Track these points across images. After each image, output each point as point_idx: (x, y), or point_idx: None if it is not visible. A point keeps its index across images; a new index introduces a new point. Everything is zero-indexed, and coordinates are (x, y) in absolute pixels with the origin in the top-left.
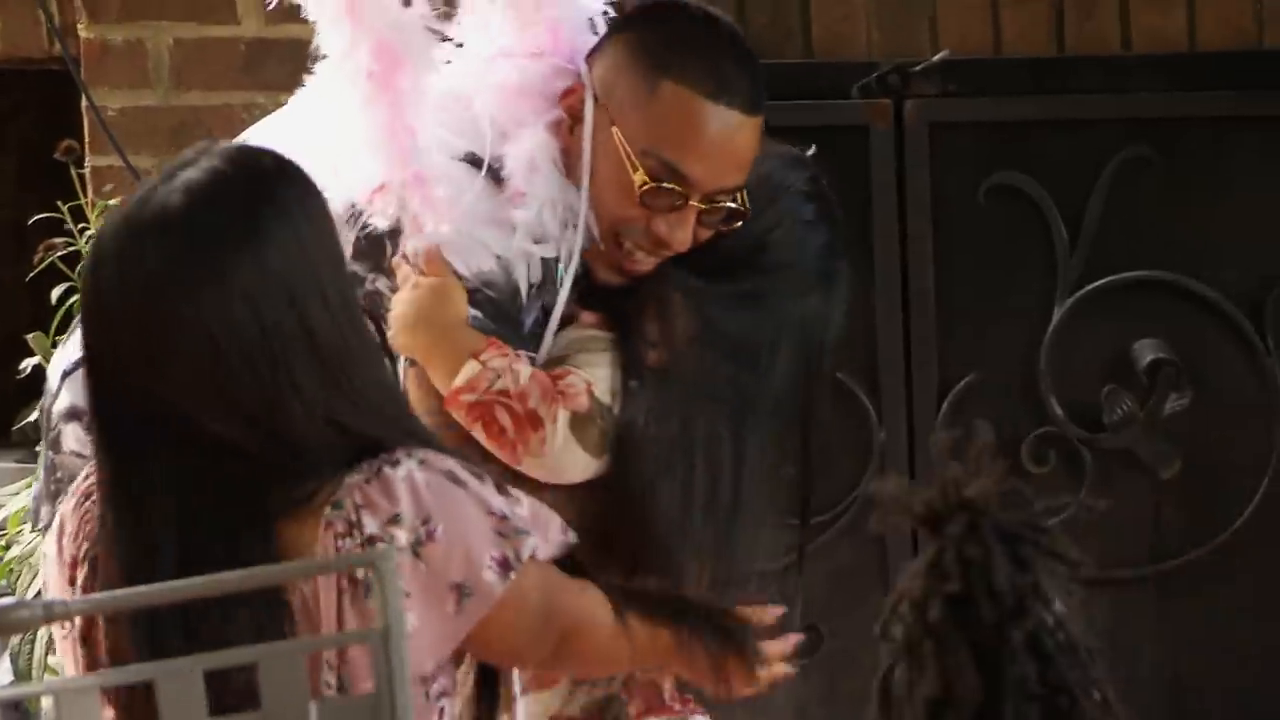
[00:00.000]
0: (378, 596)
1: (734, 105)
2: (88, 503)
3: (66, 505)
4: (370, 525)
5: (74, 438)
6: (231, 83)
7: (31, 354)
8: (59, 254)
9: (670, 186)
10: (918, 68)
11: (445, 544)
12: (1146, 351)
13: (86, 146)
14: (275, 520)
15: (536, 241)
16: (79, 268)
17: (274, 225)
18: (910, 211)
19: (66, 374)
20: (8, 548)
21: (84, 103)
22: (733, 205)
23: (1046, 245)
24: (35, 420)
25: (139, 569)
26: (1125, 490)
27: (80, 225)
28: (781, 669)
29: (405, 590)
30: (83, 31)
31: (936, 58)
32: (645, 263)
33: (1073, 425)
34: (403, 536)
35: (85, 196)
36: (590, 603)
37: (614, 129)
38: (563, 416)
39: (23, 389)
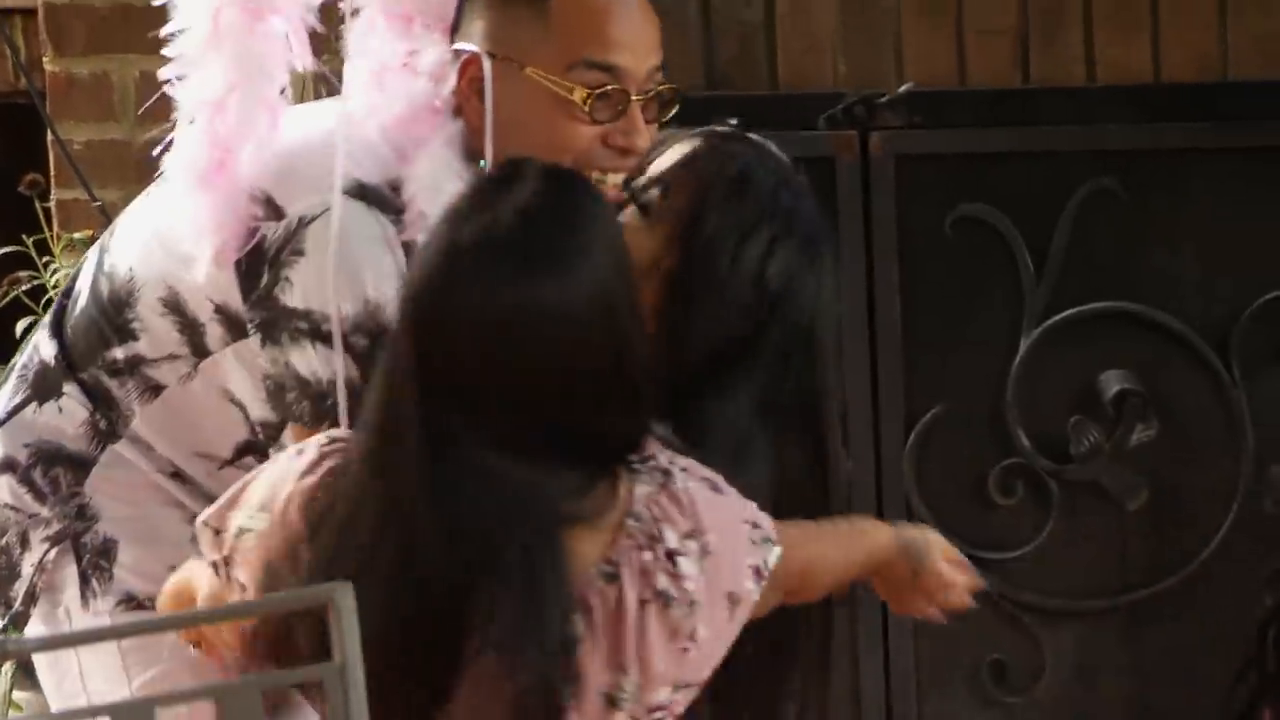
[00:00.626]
0: (335, 633)
1: None
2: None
3: (301, 480)
4: (670, 540)
5: (7, 489)
6: None
7: None
8: (23, 288)
9: (611, 86)
10: (883, 99)
11: (718, 555)
12: (1113, 382)
13: (52, 180)
14: (563, 529)
15: None
16: (406, 278)
17: (595, 243)
18: (876, 243)
19: (0, 423)
20: None
21: (49, 136)
22: (665, 86)
23: (1013, 276)
24: None
25: (410, 565)
26: (1092, 521)
27: (45, 259)
28: (965, 599)
29: (699, 600)
30: (48, 65)
31: (902, 89)
32: (615, 184)
33: (1040, 456)
34: (694, 548)
35: (50, 230)
36: (812, 551)
37: (527, 70)
38: None
39: None
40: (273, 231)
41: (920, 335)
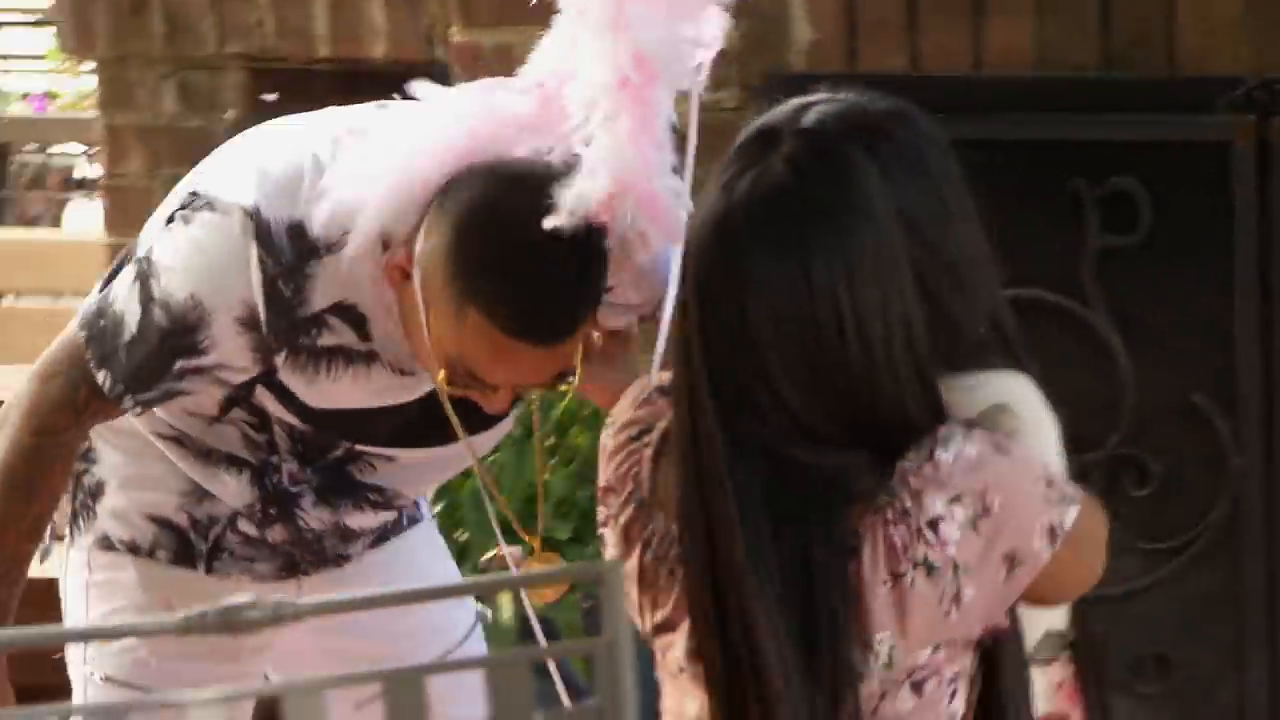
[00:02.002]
0: (606, 609)
1: (540, 343)
2: (634, 443)
3: (606, 434)
4: (931, 508)
5: None
6: None
7: None
8: None
9: (472, 387)
10: None
11: (999, 516)
12: None
13: None
14: (845, 508)
15: None
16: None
17: (877, 185)
18: (1275, 231)
19: None
20: None
21: None
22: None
23: None
24: None
25: (709, 535)
26: None
27: None
28: None
29: (965, 564)
30: (455, 35)
31: None
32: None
33: None
34: (961, 513)
35: None
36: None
37: (429, 319)
38: None
39: None
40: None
41: None
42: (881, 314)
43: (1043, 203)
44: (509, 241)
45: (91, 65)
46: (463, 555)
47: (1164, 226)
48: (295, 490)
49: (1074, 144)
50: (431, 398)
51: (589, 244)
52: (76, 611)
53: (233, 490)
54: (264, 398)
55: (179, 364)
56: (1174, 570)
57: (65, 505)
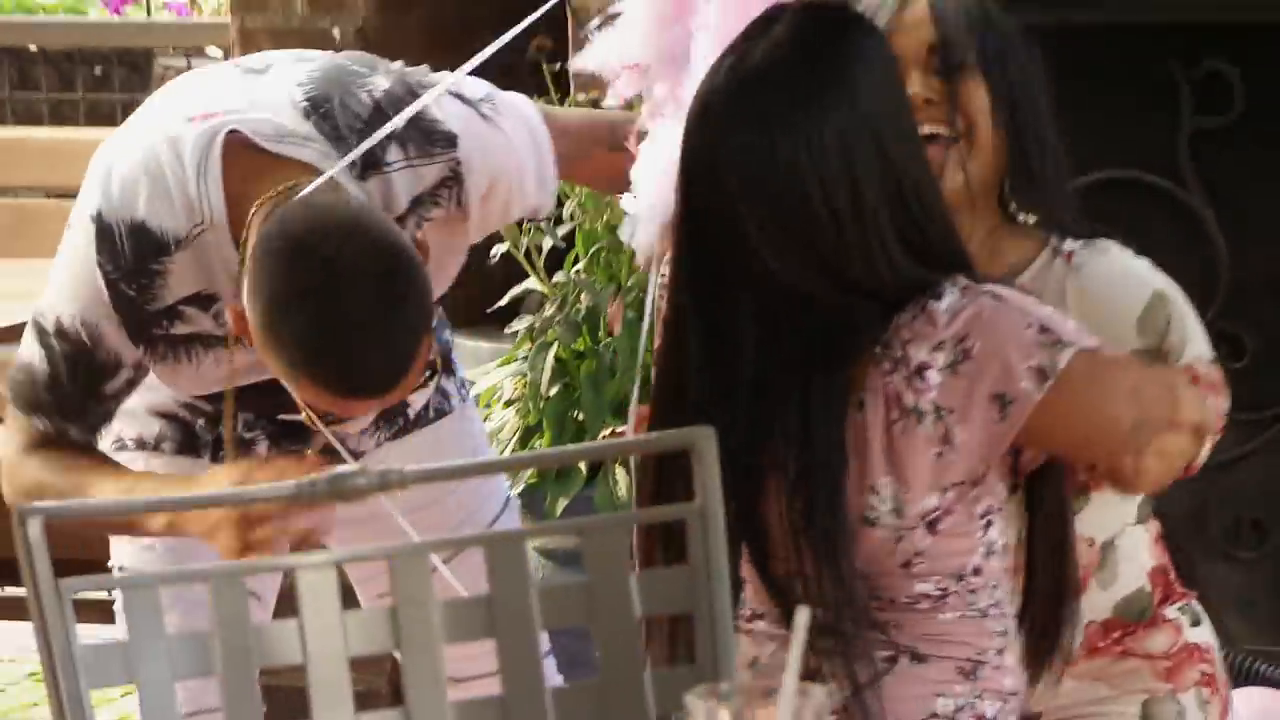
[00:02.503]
0: (697, 476)
1: (372, 396)
2: None
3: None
4: (916, 356)
5: None
6: None
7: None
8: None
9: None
10: None
11: (981, 358)
12: None
13: (570, 49)
14: (847, 363)
15: None
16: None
17: (859, 72)
18: None
19: None
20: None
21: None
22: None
23: None
24: (510, 303)
25: (716, 393)
26: None
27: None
28: None
29: (948, 406)
30: None
31: None
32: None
33: None
34: (942, 358)
35: (558, 94)
36: (1164, 387)
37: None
38: None
39: (497, 273)
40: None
41: None
42: (849, 192)
43: (1138, 85)
44: (316, 314)
45: None
46: (579, 434)
47: (1257, 108)
48: (249, 437)
49: (1168, 26)
50: None
51: (395, 280)
52: None
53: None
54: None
55: (106, 388)
56: (1269, 440)
57: None
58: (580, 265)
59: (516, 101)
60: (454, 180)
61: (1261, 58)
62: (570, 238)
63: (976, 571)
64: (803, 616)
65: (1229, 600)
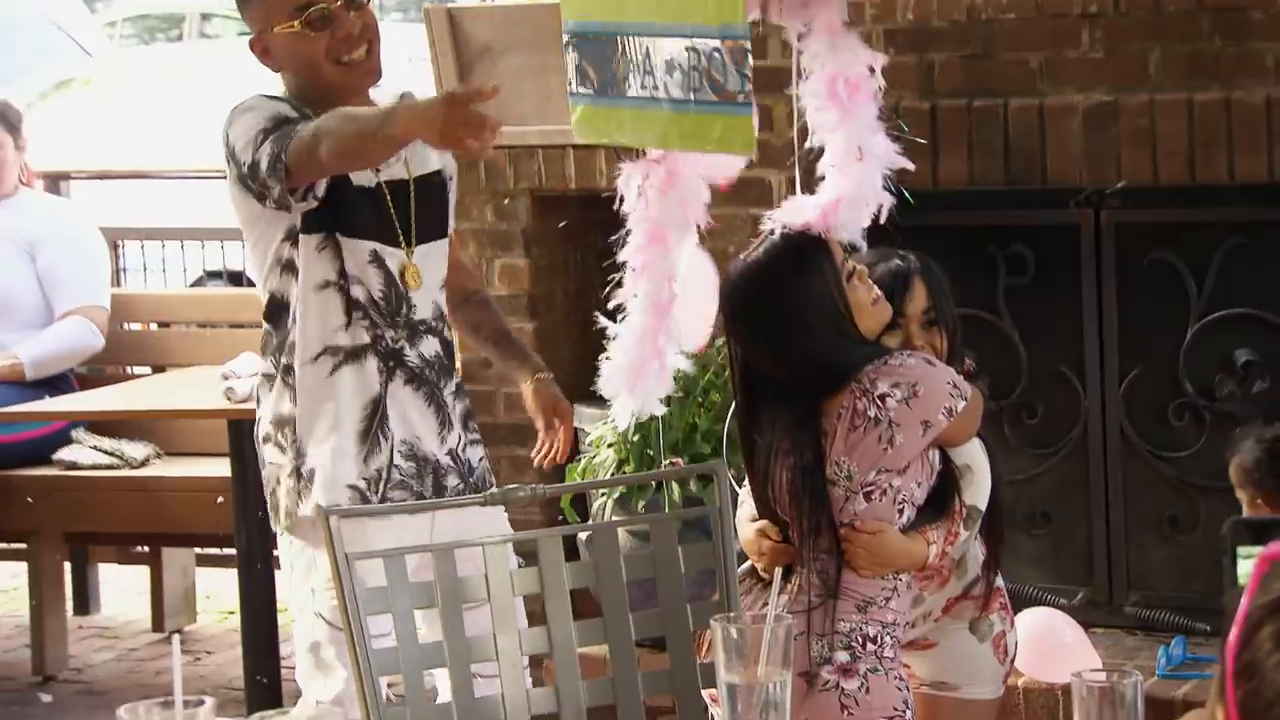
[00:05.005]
0: (716, 489)
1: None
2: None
3: None
4: (880, 387)
5: None
6: None
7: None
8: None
9: (312, 9)
10: None
11: (923, 397)
12: (1242, 355)
13: None
14: (820, 404)
15: None
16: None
17: (816, 262)
18: (1103, 275)
19: None
20: (594, 458)
21: None
22: None
23: None
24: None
25: (758, 416)
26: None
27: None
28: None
29: (896, 421)
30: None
31: None
32: (360, 63)
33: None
34: (898, 393)
35: None
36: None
37: (279, 30)
38: None
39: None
40: None
41: None
42: (801, 339)
43: (973, 258)
44: None
45: None
46: (652, 464)
47: (1042, 273)
48: (396, 345)
49: (992, 226)
50: (387, 193)
51: None
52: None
53: (370, 371)
54: (346, 250)
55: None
56: (1052, 466)
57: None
58: None
59: None
60: None
61: (1048, 242)
62: None
63: None
64: (778, 573)
65: (1030, 560)
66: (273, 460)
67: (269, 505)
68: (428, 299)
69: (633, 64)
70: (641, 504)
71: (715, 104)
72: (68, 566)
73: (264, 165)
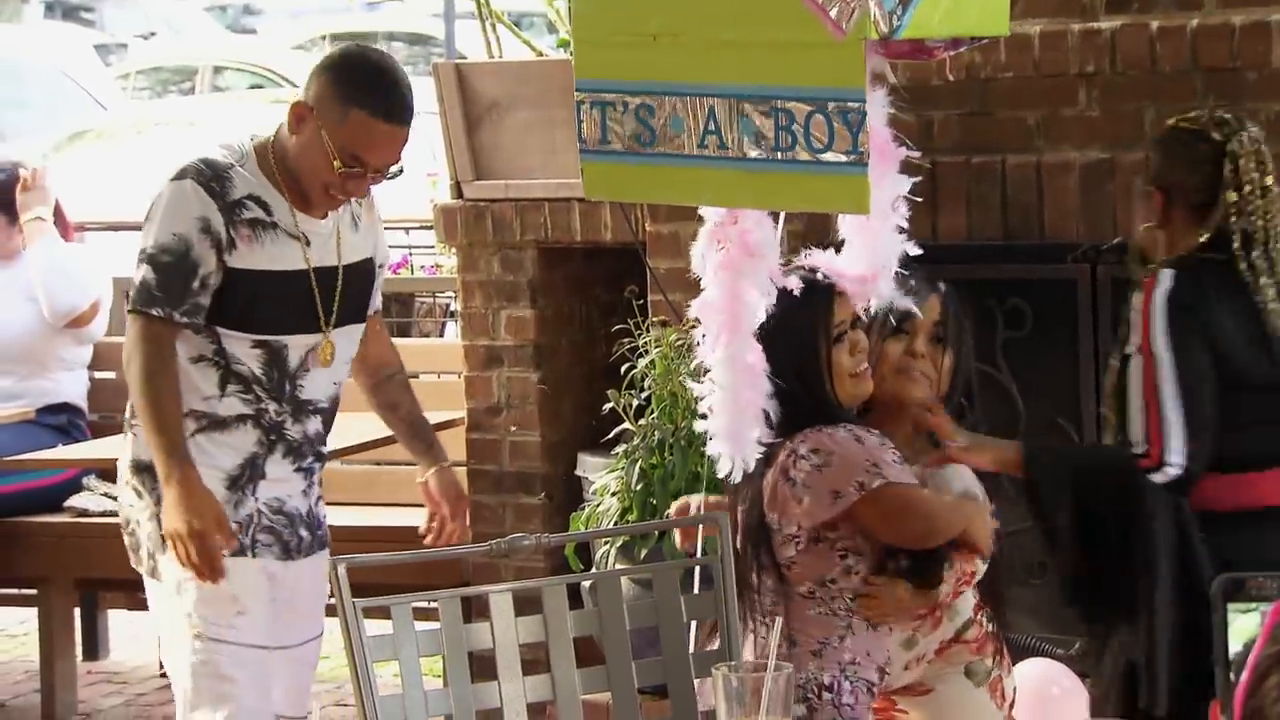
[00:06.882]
0: (720, 540)
1: (397, 123)
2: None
3: None
4: (800, 451)
5: None
6: None
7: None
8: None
9: (356, 169)
10: None
11: (835, 467)
12: None
13: (648, 290)
14: (774, 450)
15: None
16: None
17: (810, 301)
18: (1099, 329)
19: None
20: (598, 506)
21: (647, 268)
22: (393, 170)
23: None
24: (614, 436)
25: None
26: None
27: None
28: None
29: (806, 484)
30: (649, 226)
31: None
32: (341, 201)
33: None
34: (815, 459)
35: (639, 318)
36: (943, 506)
37: (323, 133)
38: None
39: (607, 416)
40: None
41: None
42: (768, 352)
43: (973, 311)
44: (368, 68)
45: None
46: (655, 513)
47: (1039, 327)
48: (279, 419)
49: (990, 280)
50: (314, 280)
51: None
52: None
53: (249, 436)
54: (225, 337)
55: (194, 282)
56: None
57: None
58: (655, 414)
59: None
60: None
61: (1042, 299)
62: (649, 398)
63: (833, 582)
64: (778, 625)
65: (1026, 609)
66: (131, 503)
67: (128, 545)
68: (327, 379)
69: (687, 124)
70: (644, 552)
71: (809, 164)
72: (77, 612)
73: (131, 287)
